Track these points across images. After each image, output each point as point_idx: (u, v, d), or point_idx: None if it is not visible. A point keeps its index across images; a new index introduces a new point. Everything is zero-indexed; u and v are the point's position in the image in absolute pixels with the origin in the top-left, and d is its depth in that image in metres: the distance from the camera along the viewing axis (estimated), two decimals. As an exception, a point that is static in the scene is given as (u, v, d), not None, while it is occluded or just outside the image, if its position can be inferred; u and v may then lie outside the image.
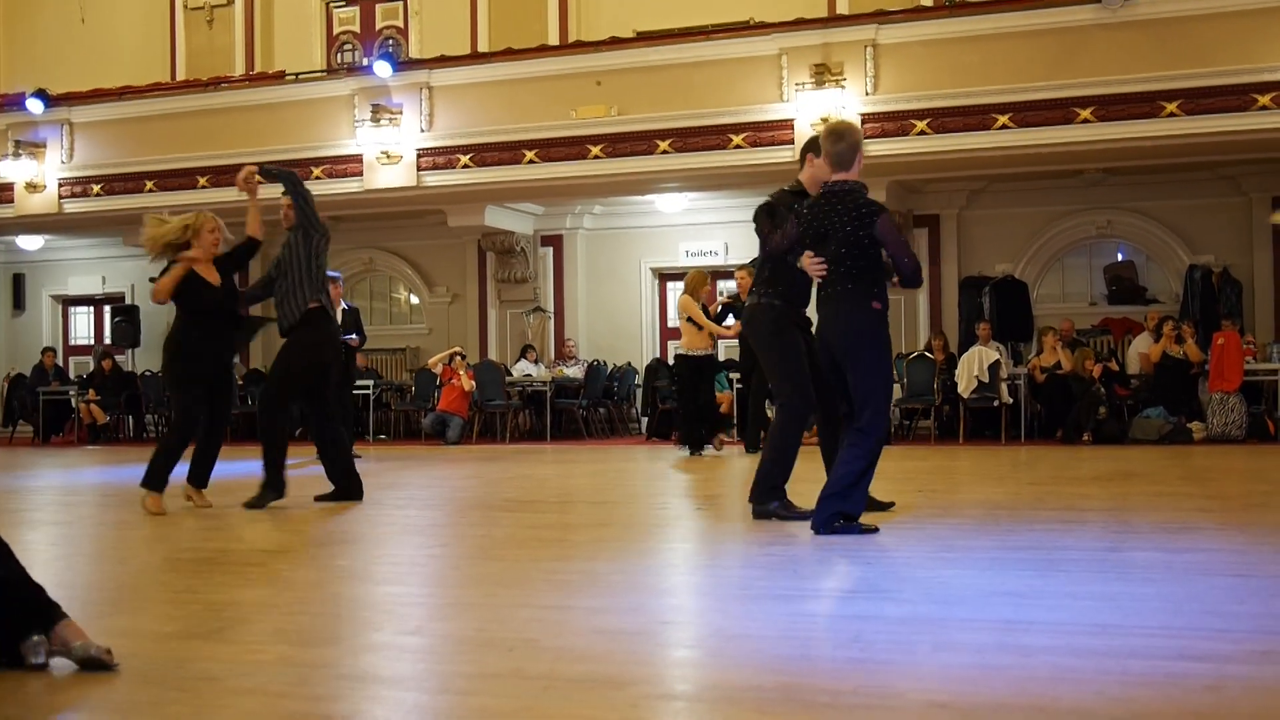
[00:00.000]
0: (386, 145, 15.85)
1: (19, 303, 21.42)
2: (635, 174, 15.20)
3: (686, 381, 12.47)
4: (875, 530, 5.63)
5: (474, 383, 15.96)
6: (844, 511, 5.61)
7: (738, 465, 10.72)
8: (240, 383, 15.85)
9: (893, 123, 13.94)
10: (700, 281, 12.62)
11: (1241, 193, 15.83)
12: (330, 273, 13.87)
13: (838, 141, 5.92)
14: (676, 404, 13.51)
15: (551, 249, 18.58)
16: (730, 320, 12.58)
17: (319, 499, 7.53)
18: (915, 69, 14.03)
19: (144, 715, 2.83)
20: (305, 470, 11.24)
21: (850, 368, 5.74)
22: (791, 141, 14.01)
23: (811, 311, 6.26)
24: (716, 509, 7.34)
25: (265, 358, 19.82)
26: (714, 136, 14.52)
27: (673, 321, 18.55)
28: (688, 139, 14.67)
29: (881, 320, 5.81)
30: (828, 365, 5.91)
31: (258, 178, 7.64)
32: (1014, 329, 16.15)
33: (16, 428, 18.92)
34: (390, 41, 19.84)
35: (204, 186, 16.67)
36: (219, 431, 7.46)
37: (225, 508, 6.99)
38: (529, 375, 16.73)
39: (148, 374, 17.67)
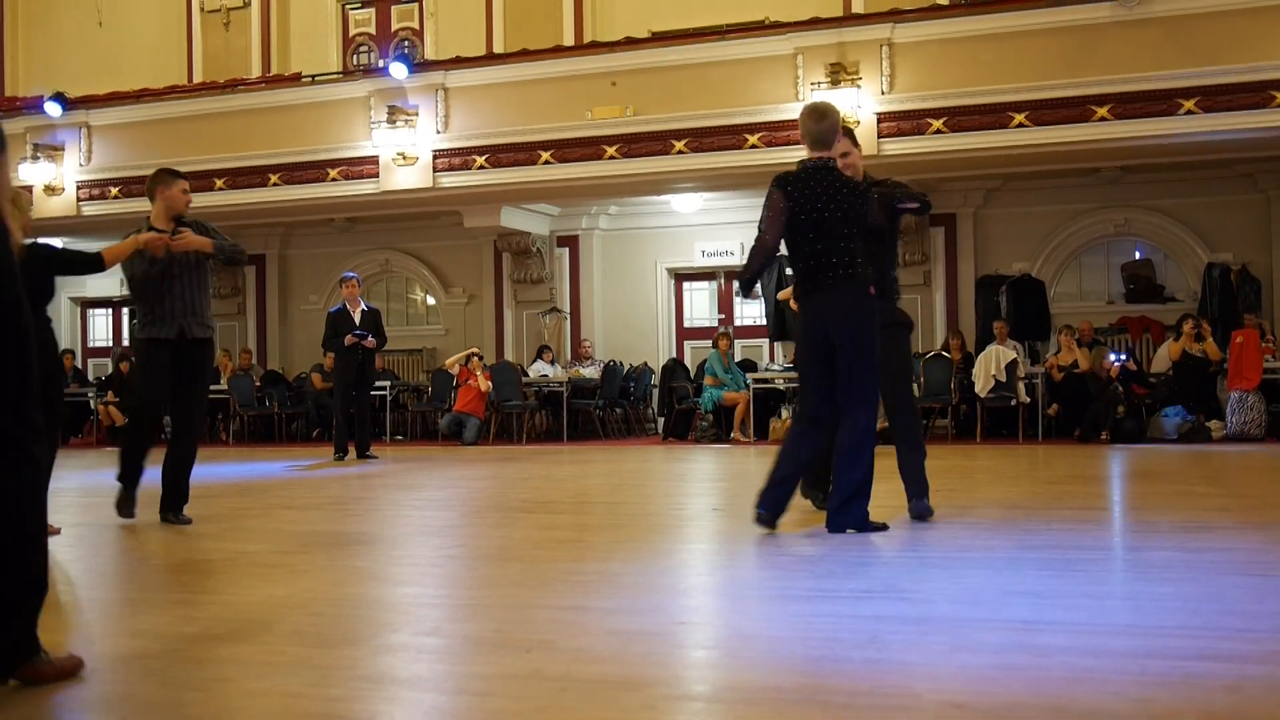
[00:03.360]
0: (402, 146, 15.88)
1: (38, 305, 21.52)
2: (651, 174, 15.20)
3: None
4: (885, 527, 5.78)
5: (490, 383, 15.98)
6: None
7: (757, 467, 10.68)
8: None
9: (908, 121, 13.92)
10: None
11: (1259, 190, 15.76)
12: (347, 273, 14.03)
13: (822, 120, 5.89)
14: None
15: (567, 249, 18.61)
16: None
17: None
18: (931, 68, 13.99)
19: (162, 716, 2.85)
20: (322, 472, 11.28)
21: (856, 357, 5.72)
22: (807, 141, 14.00)
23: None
24: (733, 510, 7.33)
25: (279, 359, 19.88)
26: (729, 136, 14.52)
27: (689, 321, 18.57)
28: (703, 139, 14.67)
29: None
30: (818, 356, 5.83)
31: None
32: (1031, 328, 16.12)
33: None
34: (406, 43, 19.89)
35: (221, 189, 16.74)
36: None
37: (242, 511, 7.01)
38: (545, 376, 16.75)
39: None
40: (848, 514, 5.70)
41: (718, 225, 17.71)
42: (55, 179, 17.56)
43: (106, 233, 19.15)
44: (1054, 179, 16.22)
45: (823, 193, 5.76)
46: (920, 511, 6.23)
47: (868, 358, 5.74)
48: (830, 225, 5.73)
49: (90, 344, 21.86)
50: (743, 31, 15.57)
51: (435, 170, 15.93)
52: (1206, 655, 3.18)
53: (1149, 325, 16.00)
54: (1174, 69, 13.05)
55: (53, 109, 17.41)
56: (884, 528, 5.75)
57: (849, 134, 6.68)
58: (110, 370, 19.19)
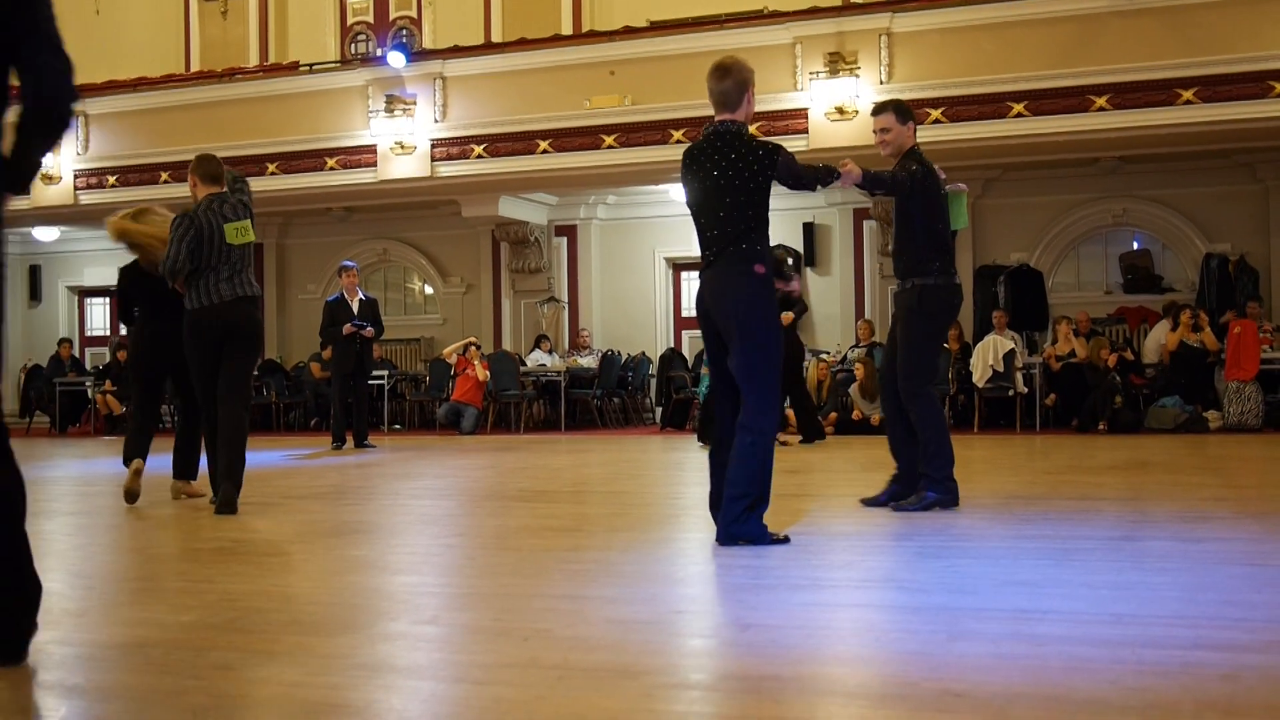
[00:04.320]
0: (400, 136, 15.87)
1: (35, 294, 21.52)
2: (649, 163, 15.19)
3: None
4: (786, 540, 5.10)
5: (488, 373, 15.98)
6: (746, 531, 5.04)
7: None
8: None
9: (907, 111, 13.90)
10: None
11: (1258, 180, 15.76)
12: (346, 262, 14.02)
13: (723, 78, 5.39)
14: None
15: (566, 239, 18.61)
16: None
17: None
18: (930, 57, 13.98)
19: (161, 704, 2.85)
20: (320, 461, 11.29)
21: (742, 346, 5.07)
22: (805, 130, 14.00)
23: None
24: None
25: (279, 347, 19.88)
26: (728, 126, 14.47)
27: (687, 311, 18.56)
28: (702, 128, 14.63)
29: (769, 285, 5.11)
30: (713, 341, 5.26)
31: None
32: (1029, 318, 16.12)
33: (33, 418, 19.01)
34: (404, 32, 19.87)
35: (219, 178, 16.70)
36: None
37: (240, 500, 7.00)
38: (543, 365, 16.75)
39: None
40: (742, 526, 5.03)
41: (716, 215, 17.67)
42: (53, 168, 17.52)
43: (103, 221, 19.16)
44: (1052, 169, 16.22)
45: (721, 158, 5.29)
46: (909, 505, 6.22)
47: (759, 343, 5.04)
48: (713, 195, 5.22)
49: (88, 333, 21.84)
50: (741, 21, 15.56)
51: (433, 159, 15.92)
52: (1203, 644, 3.19)
53: (1146, 315, 16.01)
54: (1173, 59, 13.05)
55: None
56: (785, 541, 5.07)
57: (896, 108, 6.50)
58: (108, 359, 19.17)
